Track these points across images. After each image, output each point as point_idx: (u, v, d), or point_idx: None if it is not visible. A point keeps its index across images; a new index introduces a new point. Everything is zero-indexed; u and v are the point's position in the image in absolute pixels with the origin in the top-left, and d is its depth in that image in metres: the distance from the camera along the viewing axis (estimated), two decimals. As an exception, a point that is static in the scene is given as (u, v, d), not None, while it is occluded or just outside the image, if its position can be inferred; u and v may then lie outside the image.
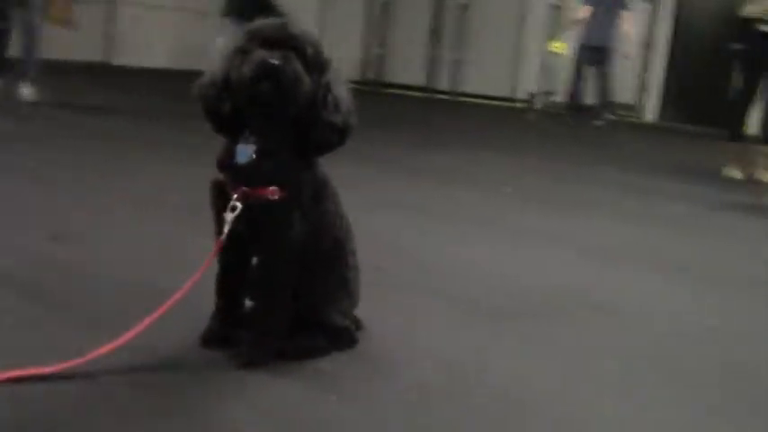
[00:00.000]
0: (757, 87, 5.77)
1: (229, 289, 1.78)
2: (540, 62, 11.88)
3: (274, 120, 1.65)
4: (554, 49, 11.27)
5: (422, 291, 2.42)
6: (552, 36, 11.44)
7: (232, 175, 1.67)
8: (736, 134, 5.92)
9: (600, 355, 2.02)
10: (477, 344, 2.01)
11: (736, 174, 5.85)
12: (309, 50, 1.63)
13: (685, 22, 11.21)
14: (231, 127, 1.69)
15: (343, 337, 1.82)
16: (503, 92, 12.24)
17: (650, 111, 11.44)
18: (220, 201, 1.69)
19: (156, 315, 1.61)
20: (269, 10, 15.08)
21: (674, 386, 1.85)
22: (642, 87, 11.45)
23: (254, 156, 1.66)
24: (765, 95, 5.78)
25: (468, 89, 12.41)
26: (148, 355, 1.66)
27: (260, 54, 1.59)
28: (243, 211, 1.64)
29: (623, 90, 11.41)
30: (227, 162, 1.69)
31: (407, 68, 12.96)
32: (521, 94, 12.07)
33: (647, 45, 11.28)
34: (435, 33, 13.19)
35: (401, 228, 3.30)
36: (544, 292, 2.55)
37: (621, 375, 1.90)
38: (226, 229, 1.65)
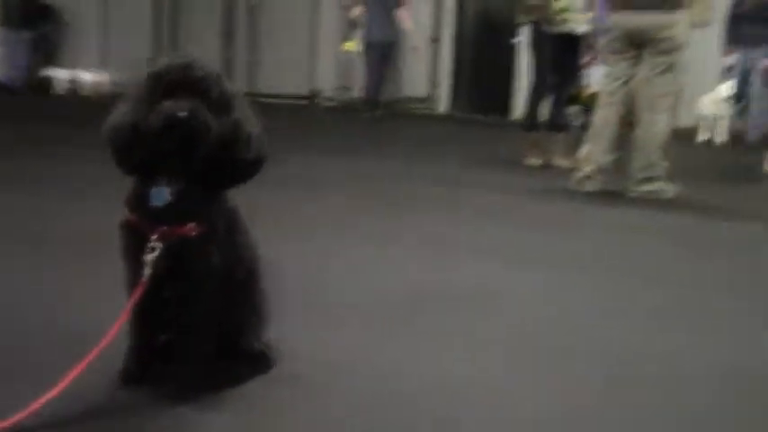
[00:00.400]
0: (545, 81, 6.29)
1: (145, 328, 1.79)
2: (335, 60, 12.19)
3: (184, 165, 1.68)
4: (347, 48, 11.62)
5: (307, 302, 2.52)
6: (345, 35, 11.76)
7: (148, 217, 1.68)
8: (531, 124, 6.44)
9: (470, 343, 2.24)
10: (380, 349, 2.15)
11: (535, 162, 6.39)
12: (215, 92, 1.67)
13: (470, 15, 11.90)
14: (143, 170, 1.71)
15: (262, 361, 1.90)
16: (301, 90, 12.43)
17: (442, 102, 12.07)
18: (134, 242, 1.70)
19: (80, 367, 1.60)
20: (48, 17, 14.16)
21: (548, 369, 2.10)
22: (433, 80, 12.04)
23: (169, 198, 1.69)
24: (553, 89, 6.32)
25: (265, 89, 12.45)
26: (82, 403, 1.64)
27: (167, 107, 1.61)
28: (163, 250, 1.67)
29: (416, 83, 11.97)
30: (139, 203, 1.71)
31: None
32: (320, 92, 12.35)
33: (435, 39, 11.87)
34: (227, 34, 13.10)
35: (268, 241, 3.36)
36: (404, 290, 2.75)
37: (497, 363, 2.12)
38: (147, 270, 1.67)
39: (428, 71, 11.94)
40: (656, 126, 4.89)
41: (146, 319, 1.77)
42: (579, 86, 6.33)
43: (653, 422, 1.79)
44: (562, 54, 6.13)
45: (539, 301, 2.74)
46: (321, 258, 3.17)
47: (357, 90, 11.58)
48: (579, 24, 6.03)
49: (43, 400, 1.54)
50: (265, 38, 12.84)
